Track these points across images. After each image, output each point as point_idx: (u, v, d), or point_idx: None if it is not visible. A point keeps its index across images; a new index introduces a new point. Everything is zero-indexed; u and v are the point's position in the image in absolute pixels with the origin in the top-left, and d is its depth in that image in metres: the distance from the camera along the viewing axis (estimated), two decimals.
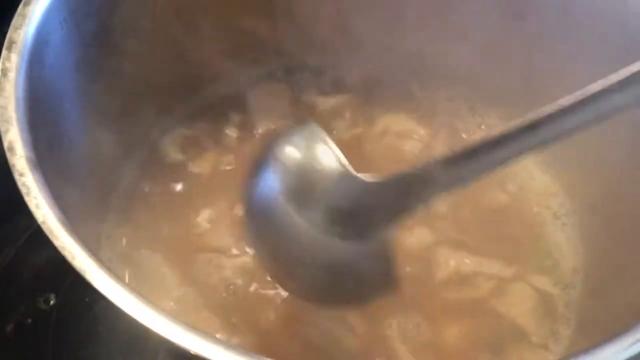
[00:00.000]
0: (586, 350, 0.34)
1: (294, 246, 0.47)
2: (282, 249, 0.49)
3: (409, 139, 0.67)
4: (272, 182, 0.48)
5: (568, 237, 0.58)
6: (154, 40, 0.57)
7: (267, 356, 0.53)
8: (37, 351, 0.56)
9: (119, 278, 0.34)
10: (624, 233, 0.51)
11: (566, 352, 0.48)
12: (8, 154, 0.39)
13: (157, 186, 0.63)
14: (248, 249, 0.59)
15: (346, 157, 0.59)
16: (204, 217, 0.62)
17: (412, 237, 0.61)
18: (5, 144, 0.39)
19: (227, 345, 0.33)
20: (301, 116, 0.67)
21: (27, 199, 0.37)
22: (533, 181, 0.61)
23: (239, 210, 0.62)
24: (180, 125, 0.66)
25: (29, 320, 0.57)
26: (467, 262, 0.59)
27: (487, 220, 0.61)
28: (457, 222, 0.61)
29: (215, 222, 0.62)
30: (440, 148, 0.64)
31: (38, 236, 0.39)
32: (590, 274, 0.55)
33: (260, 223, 0.50)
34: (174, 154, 0.64)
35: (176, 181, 0.64)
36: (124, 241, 0.59)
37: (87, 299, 0.56)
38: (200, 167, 0.65)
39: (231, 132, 0.66)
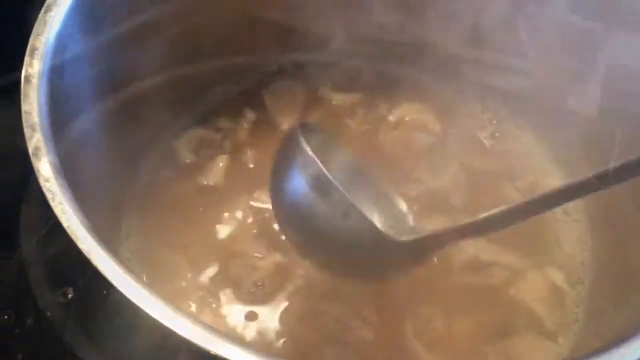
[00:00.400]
0: (592, 353, 0.35)
1: (320, 226, 0.50)
2: (309, 229, 0.52)
3: (423, 131, 0.67)
4: (297, 181, 0.51)
5: (578, 234, 0.59)
6: (168, 42, 0.58)
7: (287, 341, 0.55)
8: (56, 344, 0.57)
9: (145, 283, 0.35)
10: (632, 232, 0.52)
11: (575, 346, 0.49)
12: (33, 159, 0.40)
13: (174, 186, 0.63)
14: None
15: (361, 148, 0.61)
16: (221, 215, 0.63)
17: (431, 224, 0.63)
18: (30, 150, 0.40)
19: (247, 347, 0.34)
20: (316, 110, 0.68)
21: (52, 204, 0.38)
22: (545, 177, 0.61)
23: (255, 206, 0.64)
24: (195, 126, 0.66)
25: (48, 314, 0.58)
26: (486, 251, 0.60)
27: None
28: (473, 215, 0.62)
29: (233, 219, 0.63)
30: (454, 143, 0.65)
31: (56, 230, 0.40)
32: (598, 271, 0.56)
33: (290, 209, 0.53)
34: (189, 155, 0.65)
35: (193, 181, 0.64)
36: (142, 240, 0.60)
37: (104, 292, 0.57)
38: (217, 166, 0.65)
39: (247, 130, 0.67)
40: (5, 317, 0.57)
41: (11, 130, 0.73)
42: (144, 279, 0.56)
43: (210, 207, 0.63)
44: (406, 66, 0.70)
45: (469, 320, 0.57)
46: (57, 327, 0.57)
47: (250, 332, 0.56)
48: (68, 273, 0.60)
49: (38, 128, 0.41)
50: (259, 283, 0.58)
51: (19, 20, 0.67)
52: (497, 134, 0.64)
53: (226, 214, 0.63)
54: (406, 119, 0.68)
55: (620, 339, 0.37)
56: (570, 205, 0.54)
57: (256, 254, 0.60)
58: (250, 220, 0.63)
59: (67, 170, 0.41)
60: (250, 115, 0.67)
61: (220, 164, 0.65)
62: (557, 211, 0.55)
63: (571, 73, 0.66)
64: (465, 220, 0.49)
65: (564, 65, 0.62)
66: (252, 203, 0.64)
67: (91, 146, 0.51)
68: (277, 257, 0.60)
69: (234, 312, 0.57)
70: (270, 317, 0.57)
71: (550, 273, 0.56)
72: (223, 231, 0.62)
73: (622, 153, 0.86)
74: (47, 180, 0.39)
